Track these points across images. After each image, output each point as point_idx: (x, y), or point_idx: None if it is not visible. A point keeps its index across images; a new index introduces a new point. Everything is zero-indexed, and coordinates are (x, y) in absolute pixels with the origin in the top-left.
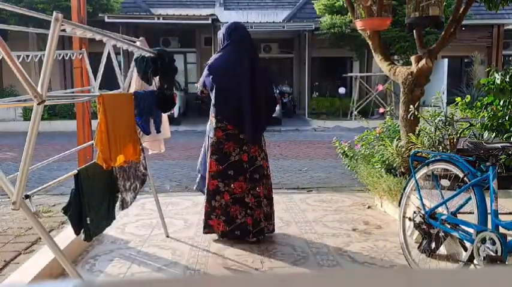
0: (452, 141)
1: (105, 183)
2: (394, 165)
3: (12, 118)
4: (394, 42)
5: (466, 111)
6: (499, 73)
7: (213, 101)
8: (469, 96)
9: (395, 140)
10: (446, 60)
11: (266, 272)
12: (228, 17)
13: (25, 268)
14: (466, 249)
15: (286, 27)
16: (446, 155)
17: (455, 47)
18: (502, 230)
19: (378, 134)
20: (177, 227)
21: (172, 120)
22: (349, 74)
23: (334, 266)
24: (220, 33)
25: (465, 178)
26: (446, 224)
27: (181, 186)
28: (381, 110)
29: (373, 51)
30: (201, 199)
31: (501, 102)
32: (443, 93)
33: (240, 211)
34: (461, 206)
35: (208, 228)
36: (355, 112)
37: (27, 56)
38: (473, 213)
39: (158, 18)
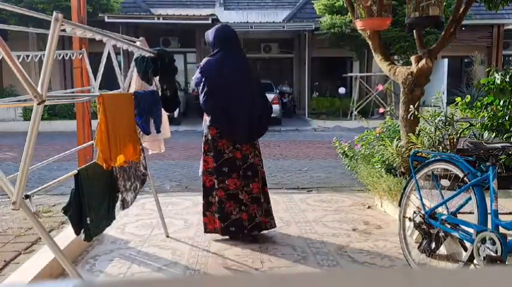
0: (452, 141)
1: (105, 183)
2: (394, 165)
3: (12, 118)
4: (394, 42)
5: (466, 111)
6: (499, 73)
7: (201, 101)
8: (469, 96)
9: (395, 140)
10: (446, 60)
11: (266, 272)
12: (228, 17)
13: (25, 268)
14: (466, 249)
15: (286, 27)
16: (446, 155)
17: (455, 47)
18: (502, 230)
19: (378, 134)
20: (177, 227)
21: (172, 120)
22: (349, 74)
23: (334, 266)
24: (210, 37)
25: (465, 178)
26: (446, 224)
27: (181, 186)
28: (381, 110)
29: (373, 51)
30: (201, 199)
31: (501, 102)
32: (443, 93)
33: (235, 207)
34: (461, 206)
35: (204, 227)
36: (355, 112)
37: (27, 56)
38: (473, 213)
39: (158, 18)
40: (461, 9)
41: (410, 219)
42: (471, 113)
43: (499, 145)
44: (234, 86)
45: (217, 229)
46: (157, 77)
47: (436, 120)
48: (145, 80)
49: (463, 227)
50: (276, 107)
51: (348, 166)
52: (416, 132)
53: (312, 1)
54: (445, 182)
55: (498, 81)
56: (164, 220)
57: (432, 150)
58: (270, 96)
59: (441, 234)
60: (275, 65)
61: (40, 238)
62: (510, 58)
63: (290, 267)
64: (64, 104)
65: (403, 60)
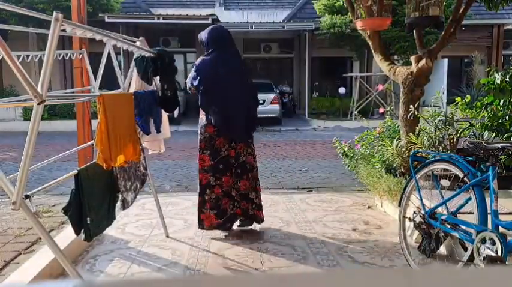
0: (452, 141)
1: (105, 183)
2: (394, 165)
3: (12, 118)
4: (394, 42)
5: (466, 111)
6: (499, 73)
7: (199, 101)
8: (469, 96)
9: (395, 140)
10: (446, 60)
11: (266, 272)
12: (228, 17)
13: (25, 268)
14: (466, 249)
15: (286, 27)
16: (446, 155)
17: (455, 47)
18: (502, 230)
19: (378, 134)
20: (177, 227)
21: (172, 120)
22: (349, 74)
23: (334, 266)
24: (203, 37)
25: (465, 178)
26: (446, 224)
27: (181, 186)
28: (381, 110)
29: (373, 51)
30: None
31: (501, 102)
32: (443, 93)
33: (229, 204)
34: (461, 206)
35: (200, 223)
36: (355, 112)
37: (27, 56)
38: (473, 213)
39: (158, 18)
40: (461, 9)
41: (410, 219)
42: (471, 113)
43: (499, 145)
44: (230, 86)
45: (213, 225)
46: (157, 77)
47: (436, 120)
48: (145, 80)
49: (463, 227)
50: (276, 107)
51: (348, 166)
52: (416, 132)
53: (312, 1)
54: (445, 182)
55: (498, 81)
56: (164, 220)
57: (432, 150)
58: (270, 96)
59: (441, 234)
60: (275, 65)
61: (40, 238)
62: (510, 58)
63: (290, 267)
64: (64, 104)
65: (403, 60)
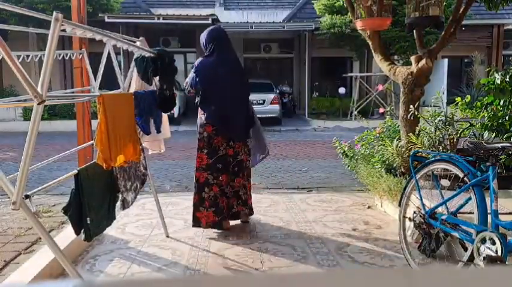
0: (452, 141)
1: (105, 183)
2: (394, 165)
3: (12, 118)
4: (394, 42)
5: (466, 111)
6: (499, 73)
7: (197, 101)
8: (469, 96)
9: (395, 140)
10: (446, 60)
11: (266, 272)
12: (228, 17)
13: (25, 268)
14: (466, 249)
15: (286, 27)
16: (446, 155)
17: (455, 47)
18: (502, 230)
19: (378, 134)
20: (177, 227)
21: (172, 120)
22: (349, 74)
23: (334, 266)
24: (203, 39)
25: (465, 178)
26: (446, 224)
27: (181, 186)
28: (381, 110)
29: (373, 51)
30: None
31: (501, 102)
32: (443, 93)
33: (225, 203)
34: (461, 206)
35: (196, 221)
36: (355, 112)
37: (27, 56)
38: (473, 213)
39: (158, 18)
40: (461, 9)
41: (410, 219)
42: (471, 113)
43: (499, 145)
44: (229, 86)
45: (210, 223)
46: (157, 77)
47: (436, 120)
48: (145, 80)
49: (463, 227)
50: (276, 107)
51: (348, 166)
52: (416, 132)
53: (312, 1)
54: (445, 182)
55: (498, 81)
56: (164, 220)
57: (432, 150)
58: (270, 96)
59: (441, 234)
60: (275, 65)
61: (40, 238)
62: (510, 58)
63: (290, 267)
64: (64, 104)
65: (403, 60)
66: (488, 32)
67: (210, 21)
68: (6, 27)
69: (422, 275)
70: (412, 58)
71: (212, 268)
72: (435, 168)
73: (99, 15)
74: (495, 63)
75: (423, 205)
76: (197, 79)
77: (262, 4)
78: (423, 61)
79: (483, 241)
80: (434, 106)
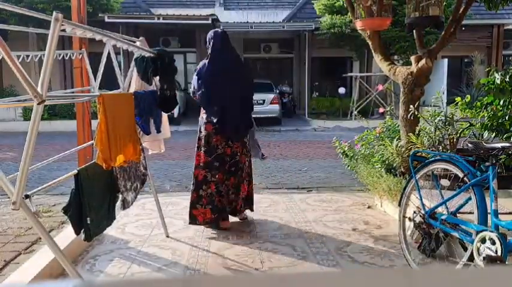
0: (452, 141)
1: (105, 183)
2: (394, 165)
3: (12, 118)
4: (394, 42)
5: (466, 111)
6: (499, 73)
7: (198, 101)
8: (469, 96)
9: (395, 140)
10: (446, 60)
11: (266, 272)
12: (228, 17)
13: (25, 268)
14: (466, 249)
15: (286, 27)
16: (446, 155)
17: (455, 47)
18: (502, 230)
19: (377, 134)
20: (177, 227)
21: (172, 120)
22: (349, 74)
23: (334, 266)
24: (206, 40)
25: (465, 178)
26: (446, 224)
27: (181, 186)
28: (381, 110)
29: (373, 51)
30: None
31: (501, 102)
32: (443, 93)
33: (221, 201)
34: (461, 206)
35: (192, 219)
36: (355, 112)
37: (27, 56)
38: (473, 213)
39: (158, 18)
40: (461, 9)
41: (410, 219)
42: (471, 113)
43: (499, 145)
44: (228, 86)
45: (206, 220)
46: (157, 77)
47: (436, 120)
48: (145, 80)
49: (463, 227)
50: (276, 107)
51: (348, 166)
52: (416, 132)
53: (312, 1)
54: (445, 182)
55: (498, 81)
56: (164, 220)
57: (432, 150)
58: (270, 96)
59: (441, 234)
60: (275, 65)
61: (40, 238)
62: (510, 58)
63: (290, 267)
64: (64, 104)
65: (403, 60)
66: (488, 32)
67: (210, 21)
68: (6, 27)
69: (422, 275)
70: (412, 58)
71: (212, 268)
72: (435, 168)
73: (99, 15)
74: (495, 63)
75: (423, 204)
76: (199, 81)
77: (262, 4)
78: (423, 61)
79: (483, 241)
80: (434, 106)
